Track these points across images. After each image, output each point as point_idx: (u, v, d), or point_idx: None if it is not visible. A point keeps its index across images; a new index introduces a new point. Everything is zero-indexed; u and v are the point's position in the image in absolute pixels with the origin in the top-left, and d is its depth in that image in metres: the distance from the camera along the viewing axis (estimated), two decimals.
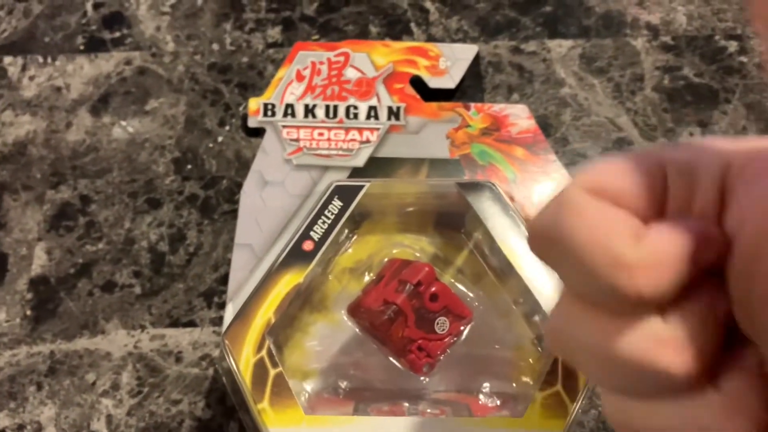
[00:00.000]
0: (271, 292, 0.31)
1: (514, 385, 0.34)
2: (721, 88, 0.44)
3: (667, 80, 0.44)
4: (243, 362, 0.30)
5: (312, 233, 0.33)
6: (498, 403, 0.33)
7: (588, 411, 0.36)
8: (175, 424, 0.36)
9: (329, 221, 0.33)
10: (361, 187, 0.34)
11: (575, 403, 0.29)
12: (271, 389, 0.29)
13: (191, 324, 0.38)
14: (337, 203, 0.33)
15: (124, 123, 0.44)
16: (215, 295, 0.39)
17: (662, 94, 0.44)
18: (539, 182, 0.41)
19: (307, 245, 0.32)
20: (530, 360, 0.33)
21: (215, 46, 0.46)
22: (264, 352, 0.30)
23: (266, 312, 0.31)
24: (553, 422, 0.29)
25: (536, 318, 0.32)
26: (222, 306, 0.39)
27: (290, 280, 0.32)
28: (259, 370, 0.30)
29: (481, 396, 0.34)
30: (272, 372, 0.30)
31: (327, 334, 0.35)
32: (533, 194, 0.40)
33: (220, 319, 0.38)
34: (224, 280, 0.39)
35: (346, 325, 0.36)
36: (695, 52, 0.45)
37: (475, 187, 0.34)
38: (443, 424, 0.29)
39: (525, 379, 0.33)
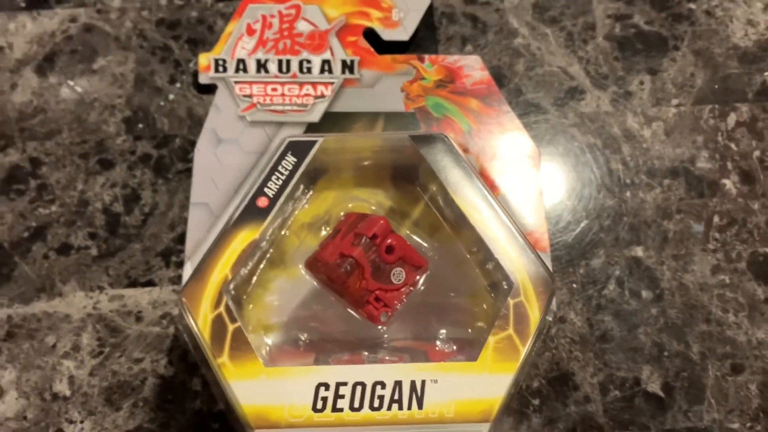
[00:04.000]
0: (227, 249, 0.31)
1: (469, 330, 0.35)
2: (671, 36, 0.44)
3: (618, 28, 0.45)
4: (201, 319, 0.30)
5: (266, 189, 0.33)
6: (454, 348, 0.34)
7: (542, 353, 0.37)
8: (137, 382, 0.37)
9: (283, 177, 0.33)
10: (315, 142, 0.34)
11: (526, 346, 0.30)
12: (230, 344, 0.30)
13: (150, 283, 0.38)
14: (290, 159, 0.33)
15: (71, 83, 0.43)
16: (173, 254, 0.39)
17: (613, 42, 0.44)
18: (494, 133, 0.41)
19: (262, 202, 0.32)
20: (484, 306, 0.34)
21: (163, 1, 0.45)
22: (222, 308, 0.30)
23: (222, 269, 0.31)
24: (505, 365, 0.30)
25: (489, 266, 0.33)
26: (180, 265, 0.39)
27: (246, 236, 0.32)
28: (218, 325, 0.30)
29: (438, 342, 0.34)
30: (231, 327, 0.30)
31: (287, 289, 0.36)
32: (488, 146, 0.41)
33: (179, 277, 0.38)
34: (181, 239, 0.39)
35: (305, 280, 0.36)
36: None
37: (427, 139, 0.34)
38: (398, 370, 0.29)
39: (480, 324, 0.34)
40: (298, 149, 0.34)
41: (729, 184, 0.41)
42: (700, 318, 0.38)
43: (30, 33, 0.44)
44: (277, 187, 0.33)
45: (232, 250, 0.31)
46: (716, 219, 0.40)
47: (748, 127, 0.42)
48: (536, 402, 0.37)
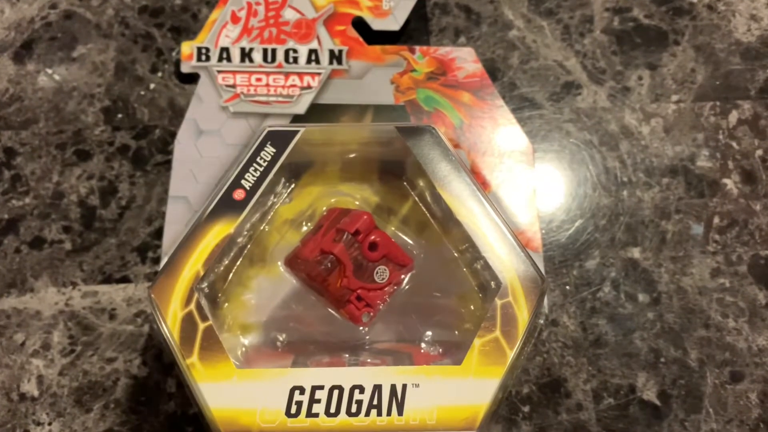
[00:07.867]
0: (200, 244, 0.30)
1: (456, 333, 0.33)
2: (671, 30, 0.43)
3: (616, 22, 0.43)
4: (171, 317, 0.28)
5: (243, 182, 0.31)
6: (440, 351, 0.32)
7: (533, 358, 0.36)
8: (109, 383, 0.35)
9: (261, 169, 0.31)
10: (296, 132, 0.32)
11: (514, 349, 0.28)
12: (201, 344, 0.28)
13: (125, 280, 0.37)
14: (269, 150, 0.32)
15: (50, 71, 0.42)
16: (149, 249, 0.37)
17: (611, 36, 0.43)
18: (486, 128, 0.40)
19: (238, 194, 0.31)
20: (472, 307, 0.33)
21: None
22: (193, 306, 0.29)
23: (194, 264, 0.29)
24: (492, 369, 0.28)
25: (477, 265, 0.31)
26: (157, 261, 0.37)
27: (220, 230, 0.30)
28: (188, 324, 0.28)
29: (423, 345, 0.33)
30: (201, 326, 0.28)
31: (266, 288, 0.34)
32: (480, 141, 0.39)
33: (155, 274, 0.37)
34: (159, 234, 0.38)
35: (286, 278, 0.34)
36: None
37: (414, 131, 0.32)
38: (377, 374, 0.28)
39: (467, 326, 0.33)
40: (278, 140, 0.32)
41: (730, 183, 0.39)
42: (699, 323, 0.37)
43: (8, 19, 0.43)
44: (255, 179, 0.31)
45: (205, 244, 0.30)
46: (716, 220, 0.39)
47: (750, 125, 0.40)
48: (526, 409, 0.35)
